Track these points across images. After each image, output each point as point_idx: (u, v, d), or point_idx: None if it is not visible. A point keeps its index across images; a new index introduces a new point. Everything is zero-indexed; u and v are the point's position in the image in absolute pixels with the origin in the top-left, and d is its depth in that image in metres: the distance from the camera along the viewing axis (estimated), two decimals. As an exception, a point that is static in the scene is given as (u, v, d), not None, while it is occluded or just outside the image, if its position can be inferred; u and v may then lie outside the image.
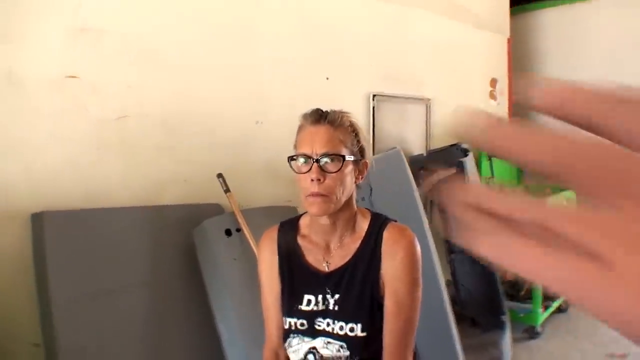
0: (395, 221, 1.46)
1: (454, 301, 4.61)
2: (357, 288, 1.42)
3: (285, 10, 3.45)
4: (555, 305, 4.88)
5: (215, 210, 2.88)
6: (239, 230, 2.74)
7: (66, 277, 2.34)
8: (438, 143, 4.44)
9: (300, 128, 1.41)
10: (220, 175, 2.80)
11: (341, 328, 1.40)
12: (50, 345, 2.32)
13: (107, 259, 2.48)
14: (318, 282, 1.43)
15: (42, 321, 2.39)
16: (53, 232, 2.34)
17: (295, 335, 1.43)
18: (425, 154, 4.26)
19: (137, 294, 2.57)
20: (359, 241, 1.44)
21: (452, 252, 4.54)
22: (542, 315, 4.59)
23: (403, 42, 4.32)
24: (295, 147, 1.40)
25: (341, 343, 1.41)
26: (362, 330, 1.38)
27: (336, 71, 3.69)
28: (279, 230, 1.50)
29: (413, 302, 1.40)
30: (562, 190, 4.66)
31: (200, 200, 2.90)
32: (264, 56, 3.30)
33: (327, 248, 1.45)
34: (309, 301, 1.43)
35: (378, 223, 1.45)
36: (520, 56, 6.51)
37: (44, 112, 2.42)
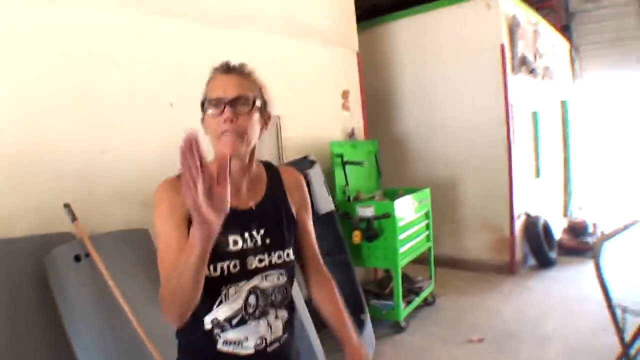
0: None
1: None
2: (279, 219, 1.55)
3: (128, 39, 3.55)
4: (419, 299, 5.19)
5: (67, 238, 2.94)
6: (87, 255, 2.87)
7: None
8: (291, 156, 4.66)
9: (211, 79, 1.49)
10: (66, 205, 2.93)
11: (279, 257, 1.50)
12: None
13: None
14: (239, 221, 1.45)
15: None
16: None
17: (229, 284, 1.43)
18: None
19: None
20: (265, 181, 1.59)
21: None
22: (405, 311, 4.84)
23: (247, 62, 4.51)
24: (207, 95, 1.46)
25: (280, 270, 1.51)
26: (294, 253, 1.55)
27: (180, 97, 3.78)
28: (179, 179, 1.35)
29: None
30: (413, 191, 5.17)
31: (52, 229, 2.97)
32: (108, 85, 3.39)
33: (238, 191, 1.49)
34: (235, 241, 1.44)
35: (272, 166, 1.66)
36: (373, 67, 7.06)
37: None
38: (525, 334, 4.56)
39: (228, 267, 1.42)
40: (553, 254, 6.70)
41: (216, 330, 1.44)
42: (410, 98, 7.16)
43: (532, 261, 6.79)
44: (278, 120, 4.73)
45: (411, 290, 5.29)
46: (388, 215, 4.59)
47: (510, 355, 4.20)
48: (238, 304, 1.44)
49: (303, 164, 4.33)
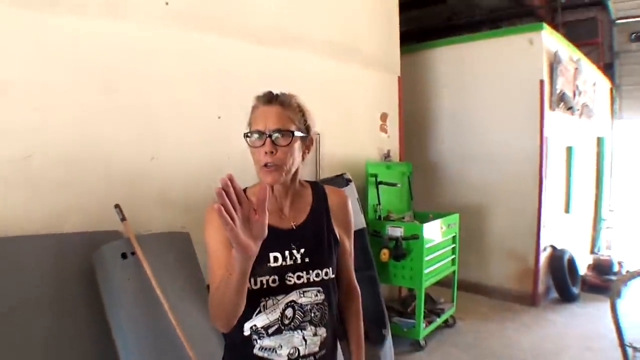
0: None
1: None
2: (321, 238, 1.65)
3: (178, 56, 3.75)
4: (440, 320, 5.31)
5: (115, 236, 3.17)
6: (133, 253, 3.09)
7: None
8: (328, 173, 4.83)
9: (254, 108, 1.60)
10: (117, 206, 3.16)
11: (317, 275, 1.60)
12: None
13: (13, 281, 2.74)
14: (281, 240, 1.57)
15: None
16: None
17: (268, 297, 1.55)
18: None
19: (43, 312, 2.81)
20: (309, 201, 1.70)
21: None
22: (425, 330, 4.96)
23: (291, 82, 4.52)
24: (250, 125, 1.58)
25: (318, 288, 1.61)
26: (333, 273, 1.65)
27: (227, 111, 3.96)
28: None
29: (352, 243, 1.82)
30: (442, 215, 5.30)
31: (100, 228, 3.19)
32: (158, 98, 3.61)
33: (281, 211, 1.63)
34: (276, 258, 1.55)
35: (318, 186, 1.77)
36: (412, 91, 7.21)
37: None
38: (539, 365, 4.61)
39: (267, 281, 1.54)
40: (576, 289, 6.71)
41: (254, 337, 1.57)
42: (446, 124, 7.30)
43: (554, 294, 6.80)
44: (317, 138, 4.91)
45: (432, 311, 5.41)
46: (417, 237, 4.72)
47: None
48: (275, 315, 1.56)
49: (339, 182, 4.51)
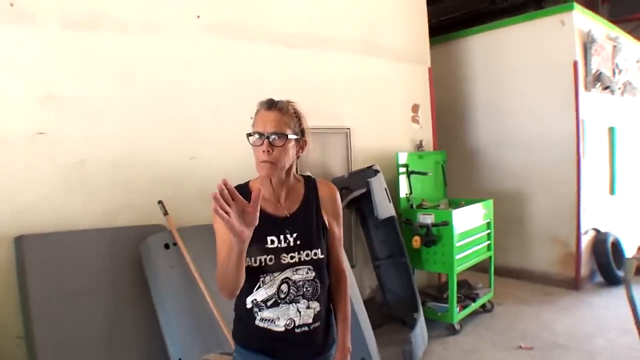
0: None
1: (383, 304, 5.26)
2: (311, 224, 1.89)
3: (213, 64, 4.12)
4: (475, 305, 5.46)
5: (158, 229, 3.59)
6: (175, 244, 3.49)
7: (42, 284, 3.03)
8: (359, 165, 5.10)
9: (257, 112, 1.81)
10: (160, 202, 3.57)
11: (307, 255, 1.84)
12: (29, 337, 3.00)
13: (73, 269, 3.20)
14: (277, 226, 1.84)
15: (24, 319, 3.07)
16: (31, 250, 3.06)
17: (266, 274, 1.80)
18: (346, 176, 4.93)
19: (98, 296, 3.27)
20: (302, 193, 1.94)
21: (376, 259, 5.16)
22: (459, 314, 5.13)
23: (321, 80, 4.91)
24: (253, 126, 1.79)
25: (309, 266, 1.85)
26: (322, 253, 1.88)
27: None
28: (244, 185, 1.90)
29: (341, 229, 2.04)
30: (476, 202, 5.45)
31: (146, 222, 3.62)
32: (196, 103, 4.00)
33: (277, 201, 1.89)
34: (272, 241, 1.81)
35: (310, 180, 2.00)
36: (446, 81, 7.35)
37: (21, 161, 3.18)
38: (573, 346, 4.71)
39: (265, 260, 1.80)
40: (622, 272, 6.66)
41: (255, 309, 1.83)
42: (480, 112, 7.40)
43: (600, 278, 6.77)
44: (348, 132, 5.20)
45: (468, 296, 5.56)
46: (447, 223, 4.91)
47: (554, 365, 4.39)
48: (272, 290, 1.81)
49: (368, 173, 4.76)
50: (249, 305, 1.85)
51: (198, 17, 4.02)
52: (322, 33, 5.01)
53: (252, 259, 1.78)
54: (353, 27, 5.36)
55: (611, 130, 7.33)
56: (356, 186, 4.76)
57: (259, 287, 1.82)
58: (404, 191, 5.41)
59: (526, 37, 6.78)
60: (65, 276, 3.16)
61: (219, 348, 3.23)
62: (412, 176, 5.44)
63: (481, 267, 5.76)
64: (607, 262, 6.54)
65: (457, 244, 4.99)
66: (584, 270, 6.57)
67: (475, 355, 4.63)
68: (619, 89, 7.34)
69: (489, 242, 5.70)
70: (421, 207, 5.42)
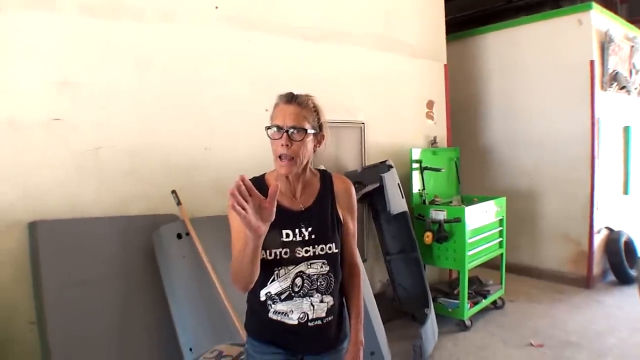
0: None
1: (393, 299, 5.24)
2: (325, 219, 1.89)
3: (228, 55, 4.10)
4: (486, 302, 5.45)
5: (171, 219, 3.59)
6: (187, 234, 3.48)
7: (54, 270, 3.04)
8: (373, 160, 5.08)
9: (276, 105, 1.81)
10: (173, 192, 3.56)
11: (322, 249, 1.84)
12: (42, 322, 3.00)
13: (86, 256, 3.20)
14: (293, 220, 1.83)
15: (36, 304, 3.07)
16: (44, 236, 3.07)
17: (280, 267, 1.80)
18: (359, 170, 4.92)
19: (110, 284, 3.27)
20: (317, 188, 1.93)
21: (387, 254, 5.16)
22: (470, 311, 5.12)
23: (336, 75, 4.89)
24: (271, 119, 1.80)
25: (323, 260, 1.85)
26: (336, 248, 1.88)
27: (274, 104, 4.29)
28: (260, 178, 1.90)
29: (355, 224, 2.02)
30: (488, 199, 5.42)
31: (160, 212, 3.62)
32: (210, 94, 3.98)
33: (293, 196, 1.88)
34: (287, 234, 1.81)
35: (326, 174, 1.99)
36: (462, 78, 7.31)
37: (36, 146, 3.18)
38: (585, 345, 4.69)
39: (280, 253, 1.80)
40: (635, 271, 6.62)
41: (269, 302, 1.84)
42: (496, 109, 7.36)
43: (612, 277, 6.75)
44: (363, 127, 5.18)
45: (479, 293, 5.54)
46: (459, 220, 4.89)
47: (565, 363, 4.38)
48: (287, 283, 1.81)
49: (381, 168, 4.74)
50: (262, 298, 1.85)
51: (216, 7, 4.01)
52: (339, 27, 4.98)
53: (267, 252, 1.78)
54: (370, 22, 5.33)
55: (626, 130, 7.27)
56: (369, 181, 4.75)
57: (273, 280, 1.82)
58: (417, 187, 5.39)
59: (543, 36, 6.73)
60: (78, 263, 3.17)
61: (229, 339, 3.23)
62: (425, 172, 5.43)
63: (493, 264, 5.74)
64: (620, 261, 6.52)
65: (469, 241, 4.97)
66: (596, 269, 6.55)
67: (486, 352, 4.61)
68: (636, 89, 7.27)
69: (500, 239, 5.68)
70: (434, 203, 5.39)
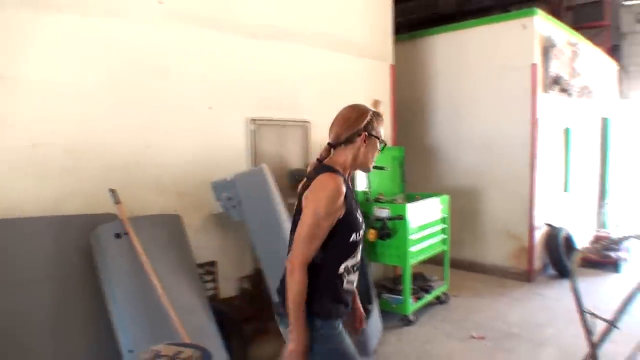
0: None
1: None
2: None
3: (172, 52, 4.11)
4: (429, 297, 5.61)
5: (111, 218, 3.56)
6: (126, 233, 3.48)
7: None
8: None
9: (381, 120, 2.31)
10: (112, 190, 3.55)
11: (363, 231, 2.22)
12: None
13: (21, 257, 3.17)
14: (358, 204, 2.22)
15: None
16: None
17: (358, 245, 2.15)
18: (303, 168, 4.97)
19: (46, 285, 3.25)
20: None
21: None
22: (413, 306, 5.26)
23: (283, 73, 4.96)
24: (378, 133, 2.26)
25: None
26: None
27: (219, 101, 4.31)
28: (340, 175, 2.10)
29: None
30: (429, 196, 5.56)
31: (98, 211, 3.60)
32: (153, 92, 3.98)
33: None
34: (359, 217, 2.16)
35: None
36: (409, 78, 7.47)
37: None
38: (525, 336, 4.92)
39: (361, 233, 2.15)
40: (570, 263, 6.85)
41: (345, 274, 2.12)
42: (441, 110, 7.55)
43: (552, 270, 7.05)
44: (308, 126, 5.24)
45: (423, 288, 5.69)
46: (401, 217, 5.01)
47: (505, 353, 4.55)
48: (357, 258, 2.18)
49: (320, 168, 4.76)
50: (340, 271, 2.11)
51: (160, 2, 4.01)
52: (287, 25, 5.05)
53: (357, 234, 2.11)
54: (318, 21, 5.41)
55: (566, 131, 7.55)
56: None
57: (354, 255, 2.15)
58: (362, 185, 5.48)
59: (488, 39, 6.95)
60: (14, 263, 3.14)
61: (169, 339, 3.24)
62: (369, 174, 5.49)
63: (438, 261, 5.91)
64: (559, 256, 6.82)
65: (412, 237, 5.09)
66: (537, 264, 6.82)
67: (429, 345, 4.76)
68: (577, 91, 7.56)
69: (444, 236, 5.83)
70: (378, 201, 5.50)
